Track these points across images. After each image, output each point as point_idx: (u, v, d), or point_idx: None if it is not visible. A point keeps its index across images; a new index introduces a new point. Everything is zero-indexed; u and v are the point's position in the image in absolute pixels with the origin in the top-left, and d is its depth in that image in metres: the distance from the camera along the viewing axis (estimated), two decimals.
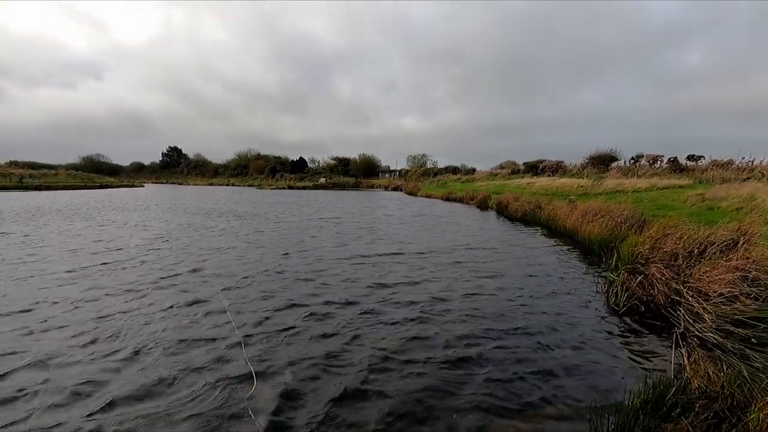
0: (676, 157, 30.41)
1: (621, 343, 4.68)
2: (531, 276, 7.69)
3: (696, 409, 2.95)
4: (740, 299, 4.25)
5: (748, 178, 19.33)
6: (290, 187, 59.06)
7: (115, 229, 13.49)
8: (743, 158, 24.80)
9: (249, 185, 67.83)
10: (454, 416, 3.23)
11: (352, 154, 78.65)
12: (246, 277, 7.26)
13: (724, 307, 4.36)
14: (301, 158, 78.42)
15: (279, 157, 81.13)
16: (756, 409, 2.55)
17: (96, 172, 70.09)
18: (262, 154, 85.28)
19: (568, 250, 10.49)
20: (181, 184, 76.87)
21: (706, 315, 4.44)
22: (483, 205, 24.45)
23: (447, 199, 31.94)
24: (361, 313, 5.49)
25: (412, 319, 5.27)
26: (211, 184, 73.96)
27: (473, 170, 56.96)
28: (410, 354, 4.31)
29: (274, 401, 3.36)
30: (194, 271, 7.73)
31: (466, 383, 3.74)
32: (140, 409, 3.24)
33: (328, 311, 5.56)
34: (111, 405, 3.28)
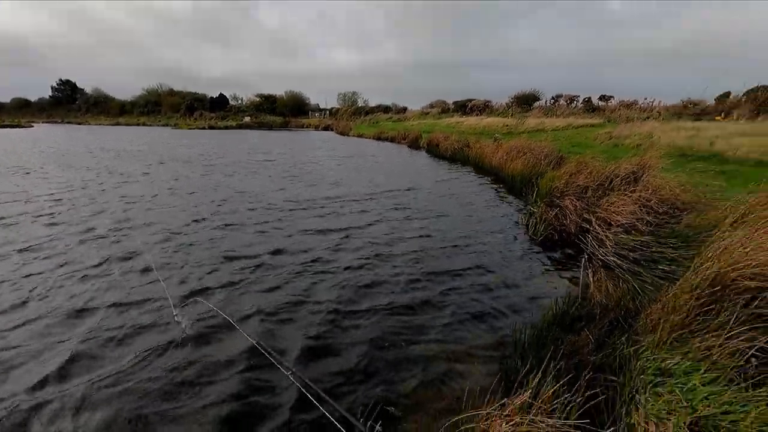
0: (590, 98, 32.64)
1: (539, 268, 5.20)
2: (461, 213, 8.08)
3: (596, 320, 3.43)
4: (637, 226, 4.85)
5: (648, 118, 21.38)
6: (211, 127, 54.48)
7: (18, 179, 11.42)
8: (645, 99, 27.33)
9: (164, 125, 61.35)
10: (403, 344, 3.45)
11: (279, 91, 73.78)
12: (178, 229, 6.58)
13: (622, 236, 4.98)
14: (221, 95, 71.82)
15: (196, 94, 73.48)
16: (644, 315, 3.01)
17: None
18: (175, 90, 76.59)
19: (494, 186, 11.10)
20: (80, 123, 67.24)
21: (607, 242, 5.04)
22: (414, 145, 24.71)
23: (379, 138, 31.74)
24: (309, 262, 5.25)
25: (360, 266, 5.31)
26: (117, 124, 65.74)
27: (404, 109, 56.61)
28: (363, 300, 4.43)
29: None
30: (118, 223, 6.83)
31: (413, 320, 3.98)
32: (75, 383, 3.02)
33: (272, 262, 5.19)
34: (46, 378, 3.01)
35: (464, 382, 2.95)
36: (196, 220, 7.09)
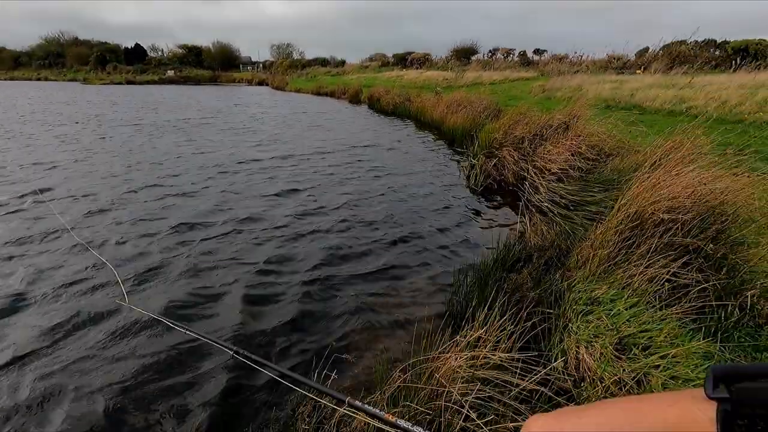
0: (525, 51, 33.39)
1: (479, 216, 5.41)
2: (402, 167, 8.12)
3: (533, 260, 3.67)
4: (569, 173, 5.15)
5: (577, 71, 22.35)
6: (129, 82, 49.09)
7: None
8: (574, 53, 28.44)
9: (71, 80, 54.26)
10: (350, 294, 3.47)
11: (206, 42, 67.50)
12: (112, 198, 5.75)
13: (555, 183, 5.28)
14: (137, 45, 64.37)
15: (107, 44, 65.20)
16: (575, 253, 3.26)
17: None
18: (81, 39, 67.33)
19: (435, 140, 11.21)
20: None
21: (542, 189, 5.33)
22: (355, 99, 24.09)
23: (318, 93, 30.53)
24: (265, 230, 4.87)
25: (298, 218, 5.20)
26: (12, 79, 57.22)
27: (343, 62, 54.62)
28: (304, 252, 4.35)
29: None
30: (38, 193, 5.80)
31: (356, 269, 3.99)
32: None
33: (222, 231, 4.71)
34: None
35: (414, 326, 3.05)
36: (134, 191, 6.17)
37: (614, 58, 25.23)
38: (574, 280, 2.87)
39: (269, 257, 4.10)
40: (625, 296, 2.47)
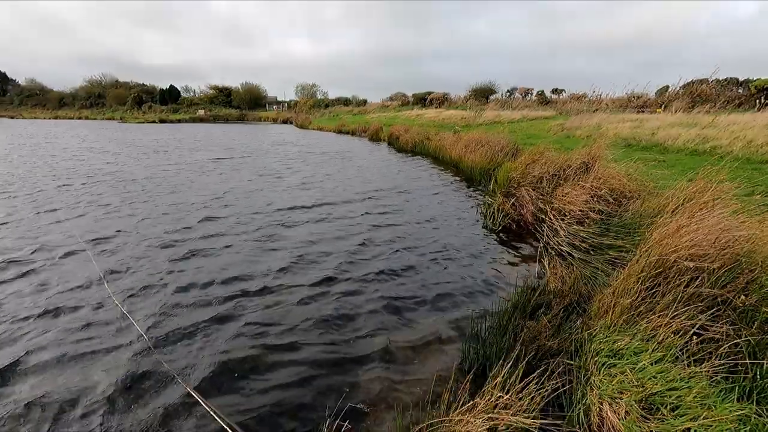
0: (543, 90, 33.82)
1: (497, 257, 5.33)
2: (420, 204, 8.15)
3: (552, 306, 3.56)
4: (590, 215, 5.08)
5: (596, 110, 22.45)
6: (162, 121, 51.90)
7: None
8: (593, 92, 28.66)
9: (109, 118, 57.80)
10: (362, 323, 3.42)
11: (235, 82, 71.24)
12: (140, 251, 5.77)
13: (575, 227, 5.20)
14: (172, 86, 68.27)
15: (144, 85, 69.62)
16: (596, 300, 3.15)
17: None
18: (121, 81, 72.11)
19: (453, 178, 11.29)
20: (13, 117, 62.01)
21: (561, 231, 5.25)
22: (375, 137, 24.68)
23: (339, 131, 31.49)
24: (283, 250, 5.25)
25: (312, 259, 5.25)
26: (57, 118, 61.21)
27: (365, 102, 56.39)
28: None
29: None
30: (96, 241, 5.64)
31: (368, 300, 3.96)
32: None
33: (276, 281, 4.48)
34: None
35: (428, 372, 2.97)
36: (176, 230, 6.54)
37: (634, 97, 25.26)
38: (596, 329, 2.76)
39: (282, 283, 4.12)
40: (650, 349, 2.36)
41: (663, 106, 21.94)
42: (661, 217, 3.88)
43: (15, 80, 78.34)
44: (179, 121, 52.77)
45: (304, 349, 3.28)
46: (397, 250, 5.44)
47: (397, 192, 9.31)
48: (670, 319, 2.46)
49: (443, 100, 38.89)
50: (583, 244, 4.78)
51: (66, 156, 14.98)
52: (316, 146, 20.86)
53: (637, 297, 2.79)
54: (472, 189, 9.78)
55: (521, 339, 2.89)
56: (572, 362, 2.65)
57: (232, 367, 3.02)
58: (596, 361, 2.52)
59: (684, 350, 2.36)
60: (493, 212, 6.76)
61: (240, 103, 66.52)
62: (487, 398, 2.07)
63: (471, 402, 2.09)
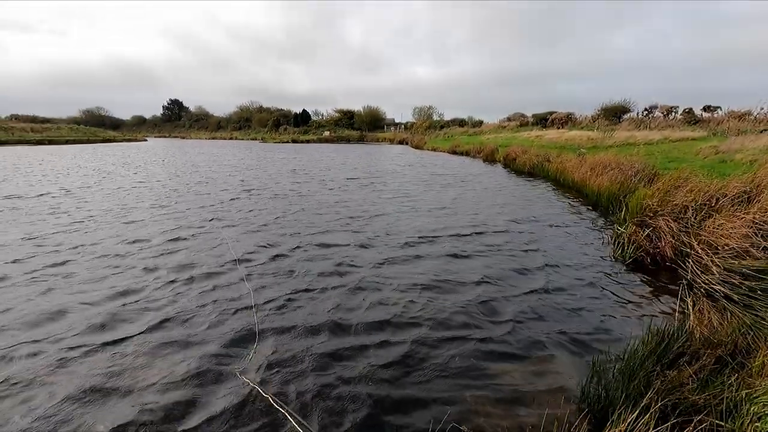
0: (691, 108, 29.45)
1: (627, 293, 4.76)
2: (541, 230, 7.70)
3: (698, 355, 3.04)
4: (751, 252, 4.25)
5: (765, 130, 18.75)
6: (294, 141, 58.41)
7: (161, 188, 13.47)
8: (761, 109, 23.94)
9: (252, 138, 67.16)
10: (467, 360, 3.37)
11: (359, 106, 76.85)
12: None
13: (733, 261, 4.38)
14: (304, 111, 76.59)
15: (282, 110, 79.55)
16: (760, 355, 2.62)
17: (97, 126, 69.86)
18: (264, 107, 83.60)
19: (576, 203, 10.44)
20: (183, 138, 76.25)
21: (714, 268, 4.47)
22: (490, 158, 24.18)
23: (453, 152, 31.56)
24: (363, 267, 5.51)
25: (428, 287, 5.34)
26: (214, 138, 73.25)
27: (480, 123, 55.63)
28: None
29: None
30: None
31: (485, 328, 3.87)
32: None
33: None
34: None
35: (543, 406, 2.78)
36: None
37: None
38: (757, 390, 2.29)
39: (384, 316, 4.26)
40: None
41: None
42: None
43: (188, 108, 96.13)
44: (307, 141, 58.61)
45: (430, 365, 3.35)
46: (517, 277, 5.22)
47: (514, 214, 8.95)
48: None
49: (566, 120, 36.38)
50: (745, 282, 4.00)
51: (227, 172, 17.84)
52: (440, 167, 21.20)
53: None
54: (596, 215, 8.92)
55: (655, 388, 2.54)
56: (723, 423, 2.23)
57: None
58: (757, 427, 2.08)
59: None
60: (623, 242, 6.07)
61: (361, 125, 71.16)
62: None
63: None
